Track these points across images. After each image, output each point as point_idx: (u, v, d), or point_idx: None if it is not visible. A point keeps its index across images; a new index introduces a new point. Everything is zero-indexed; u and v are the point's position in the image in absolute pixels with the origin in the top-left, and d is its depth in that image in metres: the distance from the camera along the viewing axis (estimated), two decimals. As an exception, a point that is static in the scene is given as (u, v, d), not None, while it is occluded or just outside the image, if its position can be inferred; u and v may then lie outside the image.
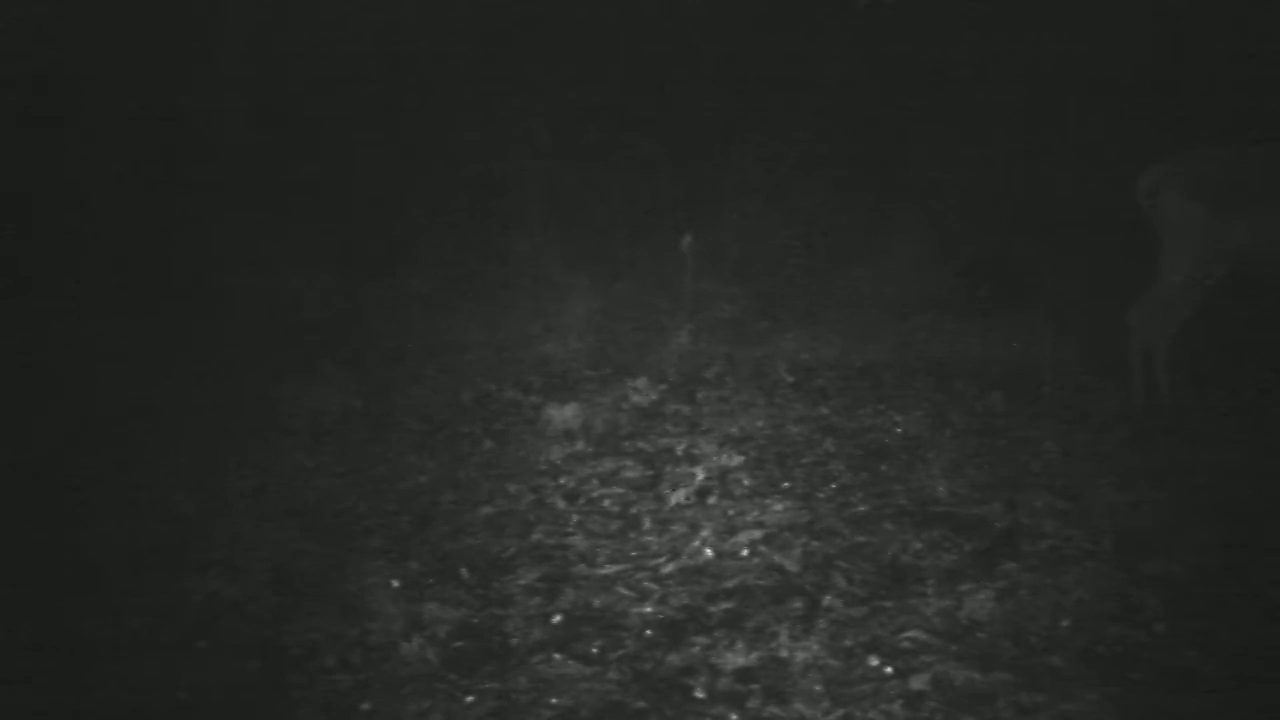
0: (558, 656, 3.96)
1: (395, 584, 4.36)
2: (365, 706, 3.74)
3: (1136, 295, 5.80)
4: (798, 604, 4.21)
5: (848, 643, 3.98)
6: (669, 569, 4.48)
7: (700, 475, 5.12)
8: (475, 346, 6.73)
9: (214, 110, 8.83)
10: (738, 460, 5.27)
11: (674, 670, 3.88)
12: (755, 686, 3.78)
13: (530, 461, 5.37)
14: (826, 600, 4.22)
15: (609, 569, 4.50)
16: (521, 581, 4.43)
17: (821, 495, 5.02)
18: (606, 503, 5.03)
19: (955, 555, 4.50)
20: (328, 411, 5.80)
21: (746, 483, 5.11)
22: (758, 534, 4.67)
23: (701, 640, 4.02)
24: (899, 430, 5.65)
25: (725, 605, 4.23)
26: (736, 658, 3.91)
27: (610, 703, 3.73)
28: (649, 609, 4.23)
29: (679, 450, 5.42)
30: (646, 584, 4.39)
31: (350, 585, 4.37)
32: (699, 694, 3.76)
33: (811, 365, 6.45)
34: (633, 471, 5.27)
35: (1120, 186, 5.86)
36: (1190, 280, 5.67)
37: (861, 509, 4.89)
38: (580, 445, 5.49)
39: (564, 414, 5.68)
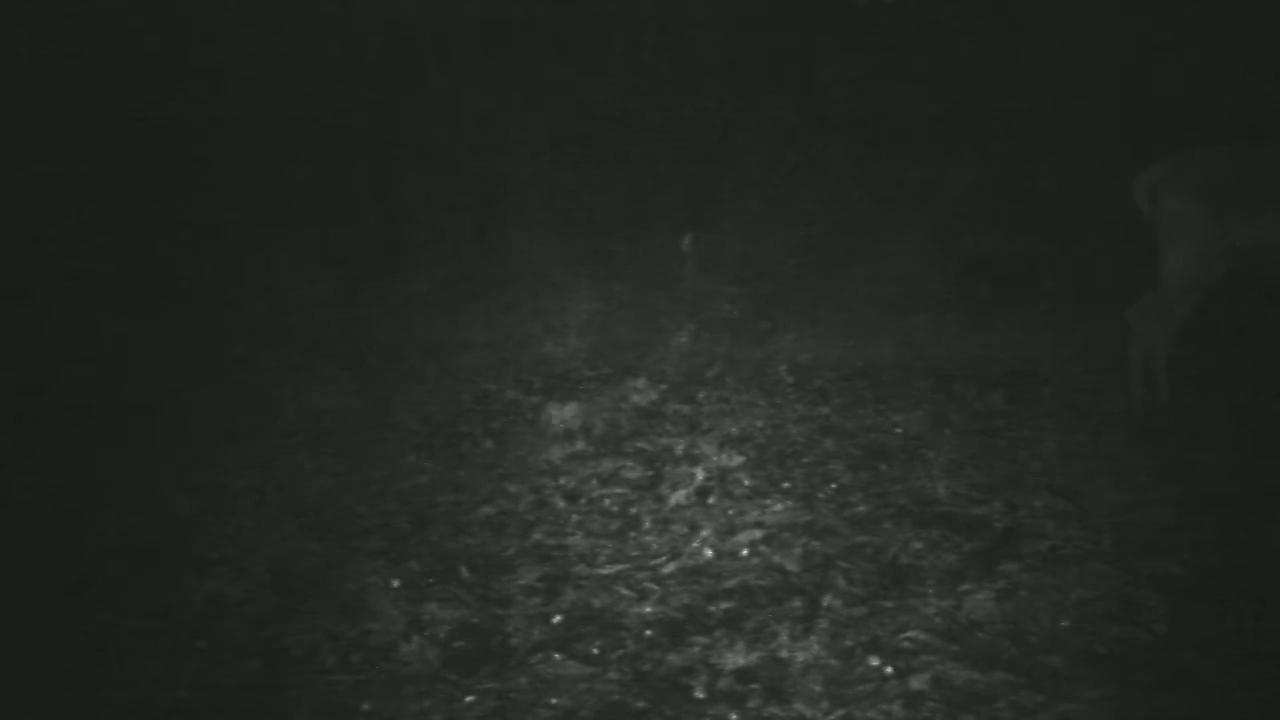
0: (558, 656, 3.96)
1: (395, 584, 4.35)
2: (365, 706, 3.74)
3: (1136, 295, 5.80)
4: (798, 604, 4.21)
5: (848, 643, 3.98)
6: (669, 569, 4.48)
7: (700, 475, 5.12)
8: (475, 346, 6.72)
9: (214, 111, 8.84)
10: (738, 460, 5.27)
11: (674, 670, 3.88)
12: (755, 686, 3.78)
13: (530, 461, 5.37)
14: (826, 600, 4.22)
15: (609, 569, 4.50)
16: (521, 581, 4.42)
17: (821, 495, 5.02)
18: (606, 503, 5.02)
19: (955, 555, 4.49)
20: (328, 411, 5.80)
21: (746, 483, 5.11)
22: (758, 534, 4.67)
23: (701, 640, 4.02)
24: (899, 430, 5.64)
25: (725, 605, 4.23)
26: (736, 658, 3.91)
27: (610, 703, 3.73)
28: (649, 609, 4.22)
29: (679, 450, 5.41)
30: (646, 584, 4.38)
31: (350, 585, 4.37)
32: (699, 694, 3.76)
33: (811, 365, 6.44)
34: (633, 471, 5.27)
35: (1120, 186, 5.86)
36: (1190, 280, 5.66)
37: (861, 509, 4.89)
38: (580, 445, 5.48)
39: (564, 414, 5.67)
